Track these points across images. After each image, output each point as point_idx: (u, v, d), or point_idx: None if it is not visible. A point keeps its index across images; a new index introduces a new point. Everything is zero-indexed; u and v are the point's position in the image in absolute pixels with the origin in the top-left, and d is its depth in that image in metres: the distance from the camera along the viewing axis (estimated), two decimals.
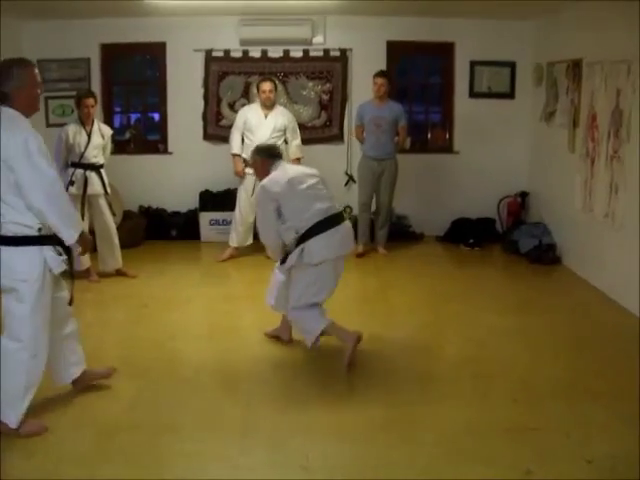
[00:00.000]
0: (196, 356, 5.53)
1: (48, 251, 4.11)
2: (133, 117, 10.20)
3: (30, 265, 4.07)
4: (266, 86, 8.17)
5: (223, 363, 5.41)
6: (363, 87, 8.90)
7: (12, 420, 4.15)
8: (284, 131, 8.29)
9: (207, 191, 9.47)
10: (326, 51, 9.48)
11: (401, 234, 9.37)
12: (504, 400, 4.71)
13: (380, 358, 5.47)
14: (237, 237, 8.50)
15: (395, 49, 9.54)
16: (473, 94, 9.65)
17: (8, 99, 4.06)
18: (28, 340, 4.13)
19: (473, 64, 9.56)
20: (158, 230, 9.28)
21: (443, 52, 9.68)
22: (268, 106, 8.21)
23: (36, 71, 4.20)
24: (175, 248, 9.04)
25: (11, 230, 4.04)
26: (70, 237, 4.12)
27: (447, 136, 9.84)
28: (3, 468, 3.79)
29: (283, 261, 5.46)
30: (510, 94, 9.65)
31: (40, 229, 4.06)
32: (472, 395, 4.83)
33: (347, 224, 5.52)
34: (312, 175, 5.54)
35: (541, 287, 7.56)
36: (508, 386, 4.93)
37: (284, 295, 5.53)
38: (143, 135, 9.91)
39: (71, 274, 4.39)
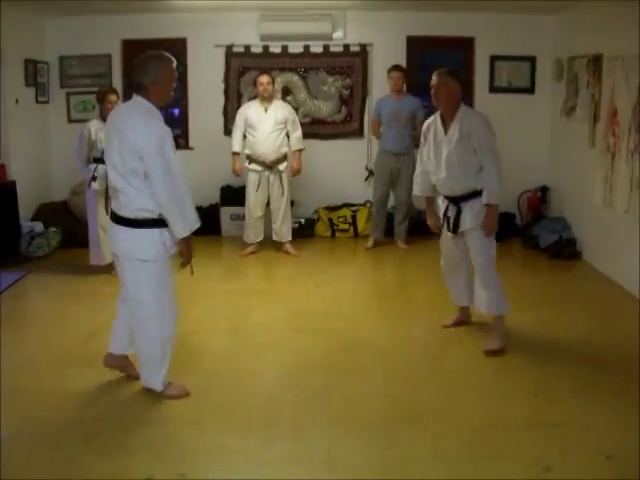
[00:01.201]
0: (219, 350, 5.59)
1: (166, 232, 4.39)
2: None
3: (150, 246, 4.36)
4: (264, 79, 8.22)
5: (245, 357, 5.45)
6: (383, 82, 8.91)
7: (157, 384, 4.61)
8: (285, 123, 8.32)
9: (228, 186, 9.51)
10: (346, 46, 9.50)
11: (421, 229, 9.35)
12: (525, 395, 4.72)
13: (401, 354, 5.50)
14: (247, 233, 8.59)
15: (415, 44, 9.55)
16: (493, 89, 9.65)
17: (143, 90, 4.33)
18: (155, 308, 4.48)
19: (493, 59, 9.55)
20: None
21: (463, 47, 9.67)
22: (267, 98, 8.24)
23: (173, 66, 4.48)
24: (196, 242, 8.92)
25: (134, 213, 4.32)
26: (179, 232, 4.36)
27: None
28: (28, 462, 3.86)
29: (455, 229, 5.52)
30: (530, 89, 9.65)
31: (161, 214, 4.32)
32: (493, 390, 4.84)
33: None
34: None
35: (561, 282, 7.56)
36: (529, 381, 4.93)
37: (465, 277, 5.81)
38: None
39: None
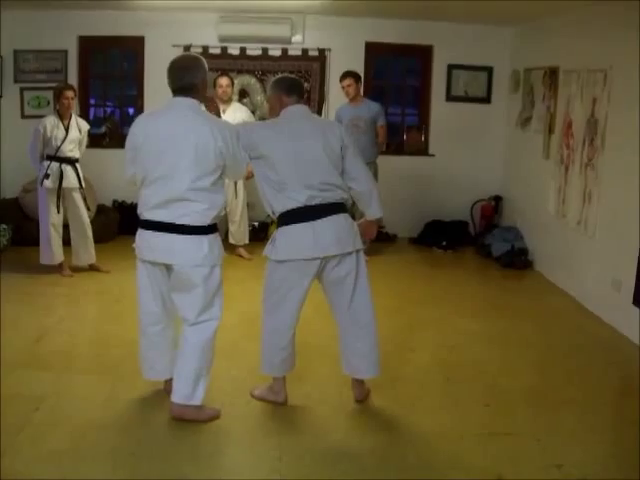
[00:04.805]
0: None
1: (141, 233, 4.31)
2: (109, 111, 10.13)
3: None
4: (223, 81, 8.18)
5: None
6: (340, 87, 8.90)
7: (196, 399, 4.32)
8: None
9: None
10: (304, 50, 9.47)
11: (380, 235, 9.39)
12: (476, 405, 4.75)
13: None
14: None
15: (373, 50, 9.57)
16: (450, 97, 9.70)
17: (194, 90, 4.25)
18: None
19: (451, 68, 9.60)
20: (131, 225, 8.99)
21: (421, 55, 9.72)
22: (225, 101, 8.20)
23: None
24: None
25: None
26: None
27: (423, 139, 9.87)
28: None
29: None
30: (486, 99, 9.72)
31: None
32: (444, 400, 4.85)
33: (340, 220, 4.41)
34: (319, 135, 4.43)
35: (513, 292, 7.62)
36: (480, 391, 4.96)
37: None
38: (119, 129, 9.85)
39: None
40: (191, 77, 4.23)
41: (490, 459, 4.04)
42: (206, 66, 4.35)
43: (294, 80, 4.66)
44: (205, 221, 4.15)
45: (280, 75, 4.79)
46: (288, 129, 4.36)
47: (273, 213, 4.41)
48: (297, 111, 4.47)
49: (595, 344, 6.05)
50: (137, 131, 4.27)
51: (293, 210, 4.29)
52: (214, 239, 4.24)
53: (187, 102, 4.21)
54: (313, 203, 4.29)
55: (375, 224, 4.80)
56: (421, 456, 4.08)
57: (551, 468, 3.97)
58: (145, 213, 4.25)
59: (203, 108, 4.41)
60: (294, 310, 4.50)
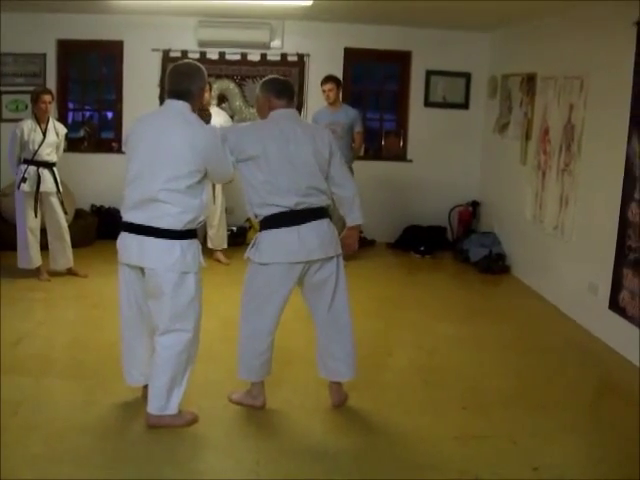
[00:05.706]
0: None
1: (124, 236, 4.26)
2: (88, 115, 10.10)
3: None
4: None
5: None
6: (319, 92, 8.91)
7: (170, 409, 4.29)
8: None
9: None
10: (283, 55, 9.49)
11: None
12: (454, 408, 4.77)
13: None
14: None
15: (352, 56, 9.60)
16: (428, 103, 9.74)
17: (188, 96, 4.24)
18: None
19: (429, 73, 9.64)
20: (110, 230, 9.04)
21: (400, 60, 9.77)
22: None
23: None
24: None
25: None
26: None
27: (401, 144, 9.90)
28: None
29: None
30: (464, 104, 9.77)
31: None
32: (422, 403, 4.87)
33: (323, 225, 4.48)
34: (309, 139, 4.47)
35: (490, 296, 7.67)
36: (458, 394, 4.98)
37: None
38: (97, 133, 9.82)
39: None
40: (188, 84, 4.23)
41: (467, 461, 4.06)
42: (206, 75, 4.38)
43: (285, 83, 4.63)
44: (178, 225, 4.09)
45: (271, 76, 4.73)
46: (279, 131, 4.35)
47: (256, 217, 4.42)
48: (286, 115, 4.47)
49: (571, 347, 6.09)
50: (129, 132, 4.35)
51: (278, 214, 4.30)
52: (189, 245, 4.16)
53: (177, 105, 4.21)
54: (299, 208, 4.31)
55: (356, 232, 4.80)
56: (399, 458, 4.09)
57: (528, 470, 4.00)
58: (124, 214, 4.25)
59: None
60: (275, 314, 4.50)
